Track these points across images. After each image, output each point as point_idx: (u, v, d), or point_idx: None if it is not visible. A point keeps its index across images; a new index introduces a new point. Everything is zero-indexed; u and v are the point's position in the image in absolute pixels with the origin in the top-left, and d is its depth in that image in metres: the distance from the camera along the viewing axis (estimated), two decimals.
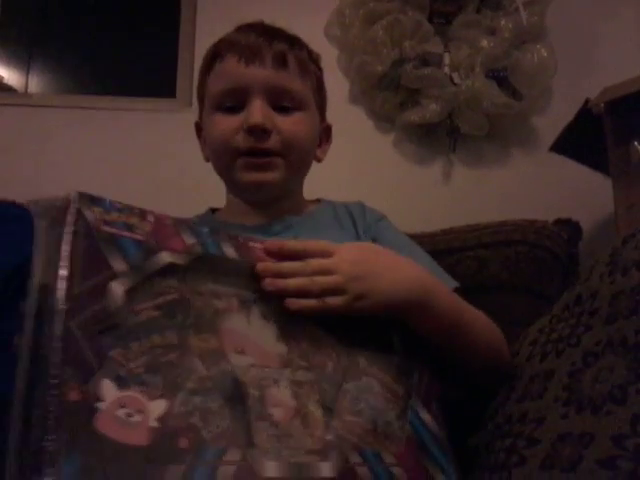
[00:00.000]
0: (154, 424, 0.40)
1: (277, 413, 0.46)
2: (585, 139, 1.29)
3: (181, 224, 0.52)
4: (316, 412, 0.48)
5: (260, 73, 0.78)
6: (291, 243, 0.58)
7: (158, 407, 0.41)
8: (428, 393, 0.57)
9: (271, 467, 0.43)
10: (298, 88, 0.81)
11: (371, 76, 1.56)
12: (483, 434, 0.66)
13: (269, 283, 0.53)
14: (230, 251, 0.53)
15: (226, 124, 0.79)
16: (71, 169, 1.54)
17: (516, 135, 1.63)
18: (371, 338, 0.57)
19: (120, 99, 1.70)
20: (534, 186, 1.55)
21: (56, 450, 0.36)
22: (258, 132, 0.77)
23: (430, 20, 1.58)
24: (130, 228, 0.48)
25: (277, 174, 0.80)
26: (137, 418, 0.39)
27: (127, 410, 0.39)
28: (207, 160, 0.89)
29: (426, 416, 0.55)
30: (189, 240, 0.51)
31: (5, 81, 1.80)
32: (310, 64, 0.85)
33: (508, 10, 1.58)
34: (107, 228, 0.46)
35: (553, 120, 1.44)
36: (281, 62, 0.79)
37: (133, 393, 0.40)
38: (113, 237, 0.46)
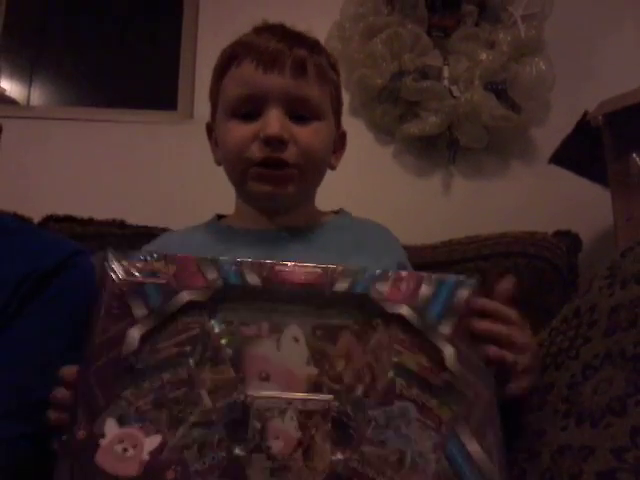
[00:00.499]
0: (146, 457, 0.45)
1: (276, 445, 0.46)
2: (584, 151, 1.30)
3: (204, 261, 0.54)
4: (323, 444, 0.47)
5: (278, 82, 0.76)
6: (496, 305, 0.57)
7: (153, 442, 0.45)
8: (483, 420, 0.50)
9: None
10: (316, 97, 0.78)
11: (371, 89, 1.57)
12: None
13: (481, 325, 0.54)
14: (254, 279, 0.54)
15: (241, 133, 0.77)
16: (73, 181, 1.55)
17: (515, 147, 1.63)
18: (420, 350, 0.53)
19: (121, 111, 1.71)
20: (533, 198, 1.55)
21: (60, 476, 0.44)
22: (275, 143, 0.75)
23: (429, 33, 1.59)
24: (154, 274, 0.52)
25: (291, 187, 0.78)
26: (131, 452, 0.45)
27: (124, 445, 0.45)
28: (218, 164, 0.86)
29: (474, 447, 0.49)
30: (211, 275, 0.53)
31: (7, 93, 1.81)
32: (329, 70, 0.83)
33: (506, 23, 1.59)
34: (133, 279, 0.52)
35: (552, 132, 1.44)
36: (300, 70, 0.76)
37: (132, 430, 0.46)
38: (137, 286, 0.52)
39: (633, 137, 1.21)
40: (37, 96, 1.85)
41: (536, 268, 1.08)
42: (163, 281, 0.52)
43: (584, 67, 1.68)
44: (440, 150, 1.61)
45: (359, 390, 0.50)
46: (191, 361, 0.49)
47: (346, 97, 1.63)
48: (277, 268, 0.54)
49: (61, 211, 1.20)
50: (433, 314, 0.54)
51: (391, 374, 0.51)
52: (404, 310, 0.53)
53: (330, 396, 0.49)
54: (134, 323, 0.50)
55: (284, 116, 0.76)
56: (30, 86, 1.84)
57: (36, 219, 1.17)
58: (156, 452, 0.45)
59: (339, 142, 0.89)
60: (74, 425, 0.46)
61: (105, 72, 1.85)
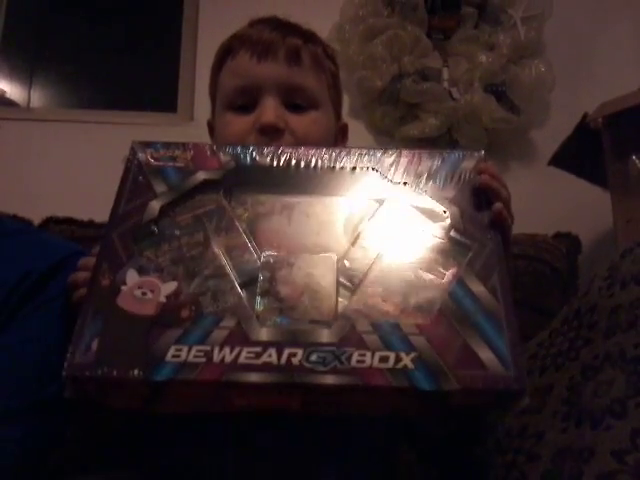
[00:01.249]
0: (163, 300, 0.49)
1: (284, 290, 0.49)
2: (584, 153, 1.30)
3: (221, 146, 0.60)
4: (328, 288, 0.49)
5: (272, 70, 0.75)
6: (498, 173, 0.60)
7: (169, 287, 0.49)
8: (487, 265, 0.51)
9: (264, 332, 0.46)
10: (312, 85, 0.77)
11: (371, 91, 1.57)
12: (483, 449, 0.66)
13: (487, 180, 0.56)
14: (264, 160, 0.59)
15: (238, 125, 0.76)
16: (73, 183, 1.55)
17: (515, 149, 1.63)
18: (423, 212, 0.55)
19: (122, 113, 1.71)
20: (533, 200, 1.55)
21: (91, 316, 0.48)
22: (270, 132, 0.73)
23: (429, 35, 1.60)
24: (174, 159, 0.59)
25: None
26: (149, 296, 0.49)
27: (143, 290, 0.49)
28: None
29: (479, 288, 0.50)
30: (225, 158, 0.59)
31: (7, 95, 1.81)
32: (325, 60, 0.81)
33: (506, 26, 1.60)
34: (155, 162, 0.58)
35: (552, 134, 1.45)
36: (294, 58, 0.76)
37: (151, 278, 0.50)
38: (159, 168, 0.58)
39: (633, 139, 1.22)
40: (37, 98, 1.85)
41: (536, 270, 1.08)
42: (181, 164, 0.58)
43: (584, 69, 1.68)
44: None
45: (365, 251, 0.53)
46: (208, 228, 0.53)
47: (346, 99, 1.63)
48: (286, 149, 0.60)
49: (61, 213, 1.20)
50: (437, 181, 0.57)
51: (397, 237, 0.53)
52: (409, 179, 0.57)
53: (334, 254, 0.52)
54: (154, 197, 0.55)
55: (280, 105, 0.75)
56: (30, 88, 1.84)
57: (36, 221, 1.17)
58: (172, 296, 0.49)
59: (340, 134, 0.87)
60: (98, 274, 0.50)
61: (105, 74, 1.86)
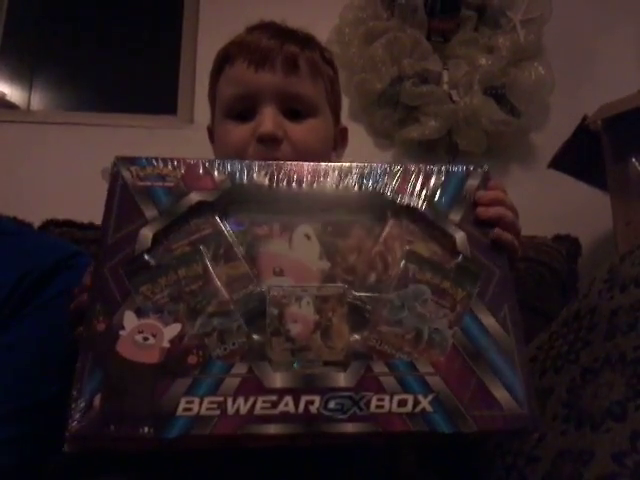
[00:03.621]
0: (166, 345, 0.45)
1: (295, 329, 0.47)
2: (583, 156, 1.30)
3: (213, 163, 0.55)
4: (340, 325, 0.47)
5: (270, 79, 0.75)
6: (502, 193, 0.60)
7: (172, 331, 0.46)
8: (498, 297, 0.51)
9: (279, 378, 0.44)
10: (310, 93, 0.78)
11: (370, 93, 1.57)
12: (483, 452, 0.66)
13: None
14: (261, 179, 0.54)
15: (237, 134, 0.76)
16: (73, 185, 1.55)
17: (514, 152, 1.63)
18: (431, 239, 0.54)
19: (122, 116, 1.71)
20: (533, 202, 1.54)
21: (87, 367, 0.44)
22: (269, 141, 0.74)
23: (429, 38, 1.60)
24: (163, 178, 0.53)
25: None
26: (152, 341, 0.45)
27: (144, 335, 0.46)
28: None
29: (490, 321, 0.49)
30: (219, 177, 0.54)
31: (7, 98, 1.81)
32: (323, 65, 0.82)
33: (506, 28, 1.60)
34: (141, 183, 0.53)
35: (551, 137, 1.45)
36: (292, 66, 0.76)
37: (151, 320, 0.46)
38: (147, 189, 0.52)
39: (632, 141, 1.22)
40: (37, 100, 1.85)
41: (536, 272, 1.08)
42: (171, 184, 0.53)
43: (583, 71, 1.69)
44: (439, 155, 1.61)
45: (372, 278, 0.51)
46: (206, 257, 0.50)
47: (346, 102, 1.63)
48: (284, 167, 0.55)
49: (61, 216, 1.20)
50: (443, 203, 0.55)
51: (403, 261, 0.52)
52: (414, 201, 0.54)
53: (344, 285, 0.50)
54: (145, 223, 0.51)
55: (278, 114, 0.75)
56: (30, 90, 1.84)
57: (36, 223, 1.17)
58: (176, 340, 0.46)
59: (340, 138, 0.88)
60: (92, 318, 0.46)
61: (105, 76, 1.86)
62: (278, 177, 0.55)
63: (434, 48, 1.59)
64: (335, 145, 0.86)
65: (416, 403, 0.45)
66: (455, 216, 0.54)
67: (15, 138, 1.60)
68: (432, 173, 0.56)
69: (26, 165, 1.56)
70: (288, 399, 0.43)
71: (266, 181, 0.54)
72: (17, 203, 1.20)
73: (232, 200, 0.53)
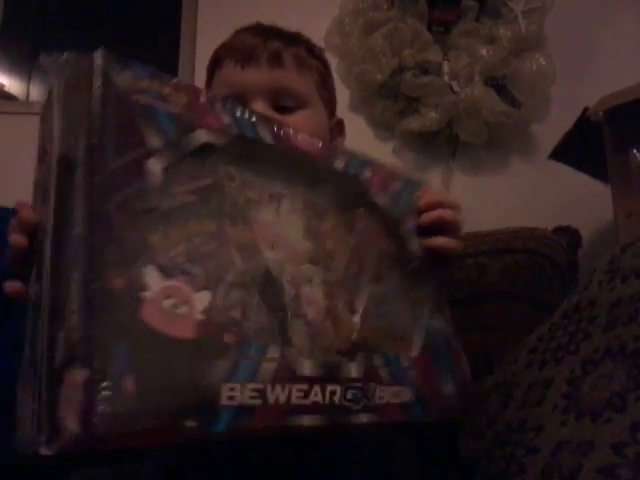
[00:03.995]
0: (200, 317, 0.37)
1: (310, 312, 0.45)
2: (584, 147, 1.30)
3: (215, 100, 0.46)
4: (345, 313, 0.48)
5: (256, 75, 0.76)
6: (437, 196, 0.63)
7: (203, 299, 0.38)
8: (439, 296, 0.57)
9: (307, 365, 0.42)
10: (297, 85, 0.78)
11: (371, 84, 1.56)
12: (482, 443, 0.66)
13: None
14: (267, 137, 0.48)
15: None
16: None
17: (515, 143, 1.63)
18: (394, 238, 0.56)
19: None
20: (533, 194, 1.55)
21: (104, 338, 0.33)
22: None
23: (429, 29, 1.59)
24: (165, 100, 0.42)
25: None
26: (183, 310, 0.37)
27: (173, 301, 0.36)
28: None
29: (440, 319, 0.56)
30: (225, 119, 0.45)
31: (6, 89, 1.80)
32: (310, 59, 0.82)
33: (507, 19, 1.59)
34: (139, 97, 0.40)
35: (552, 128, 1.44)
36: (276, 61, 0.77)
37: (178, 283, 0.37)
38: (147, 109, 0.40)
39: (633, 133, 1.21)
40: (36, 91, 1.84)
41: (536, 264, 1.08)
42: (175, 110, 0.42)
43: (584, 63, 1.68)
44: (440, 146, 1.61)
45: (354, 268, 0.51)
46: (214, 213, 0.42)
47: (346, 93, 1.63)
48: (286, 130, 0.50)
49: None
50: (402, 208, 0.57)
51: (376, 257, 0.53)
52: (383, 200, 0.56)
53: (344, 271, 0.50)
54: (150, 154, 0.39)
55: (268, 108, 0.75)
56: (29, 81, 1.83)
57: None
58: (209, 312, 0.38)
59: (336, 130, 0.88)
60: (104, 270, 0.34)
61: None
62: (280, 137, 0.49)
63: (435, 39, 1.58)
64: (332, 137, 0.86)
65: (404, 394, 0.48)
66: (411, 223, 0.58)
67: (14, 129, 1.60)
68: (395, 177, 0.58)
69: (25, 156, 1.55)
70: (317, 389, 0.42)
71: (270, 138, 0.48)
72: (15, 194, 1.20)
73: (237, 151, 0.45)
